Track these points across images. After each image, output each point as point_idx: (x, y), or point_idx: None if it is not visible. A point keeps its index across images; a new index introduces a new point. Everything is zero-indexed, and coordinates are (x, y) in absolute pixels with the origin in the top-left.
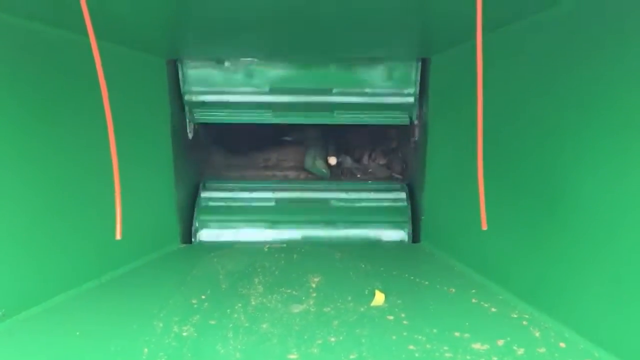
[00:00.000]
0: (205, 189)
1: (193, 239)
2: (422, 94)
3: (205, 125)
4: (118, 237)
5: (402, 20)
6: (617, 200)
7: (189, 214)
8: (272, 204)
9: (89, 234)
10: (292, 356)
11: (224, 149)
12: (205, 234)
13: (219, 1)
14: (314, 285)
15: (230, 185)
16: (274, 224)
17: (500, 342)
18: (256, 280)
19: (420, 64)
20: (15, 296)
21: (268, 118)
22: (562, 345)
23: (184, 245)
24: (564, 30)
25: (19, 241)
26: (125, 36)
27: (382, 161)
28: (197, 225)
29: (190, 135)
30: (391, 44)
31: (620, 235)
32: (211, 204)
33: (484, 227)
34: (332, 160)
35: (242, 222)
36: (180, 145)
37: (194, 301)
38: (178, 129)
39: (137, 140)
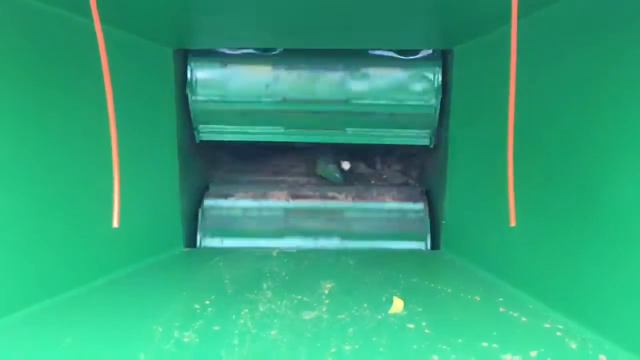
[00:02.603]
0: (211, 192)
1: (197, 243)
2: (444, 89)
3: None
4: (115, 224)
5: (422, 3)
6: None
7: (193, 217)
8: (281, 212)
9: (86, 234)
10: None
11: (231, 153)
12: (210, 239)
13: None
14: (326, 292)
15: (238, 189)
16: (283, 231)
17: (534, 354)
18: (264, 285)
19: (441, 57)
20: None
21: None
22: (603, 358)
23: (188, 249)
24: (605, 14)
25: (4, 238)
26: (129, 20)
27: (397, 167)
28: (201, 228)
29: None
30: (410, 31)
31: None
32: (217, 208)
33: (512, 224)
34: (346, 165)
35: (249, 228)
36: (186, 144)
37: (196, 306)
38: (184, 126)
39: (140, 135)
